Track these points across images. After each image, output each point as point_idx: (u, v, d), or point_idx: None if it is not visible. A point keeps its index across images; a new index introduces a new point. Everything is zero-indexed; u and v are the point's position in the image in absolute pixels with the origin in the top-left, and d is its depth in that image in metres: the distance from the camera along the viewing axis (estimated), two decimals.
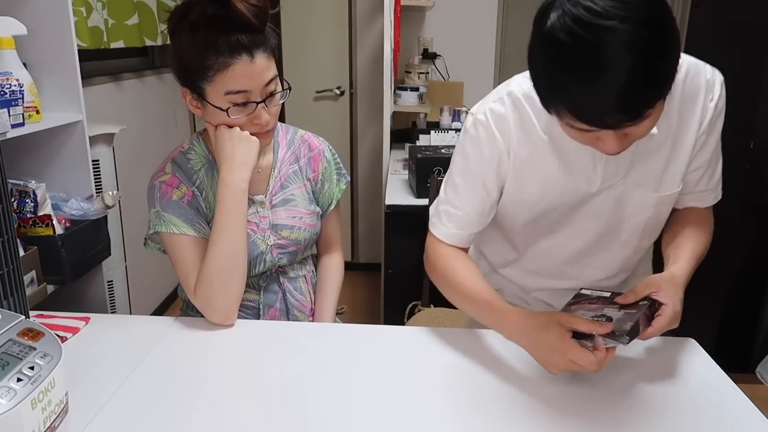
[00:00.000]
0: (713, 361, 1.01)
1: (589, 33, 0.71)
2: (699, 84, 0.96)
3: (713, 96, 0.97)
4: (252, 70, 1.04)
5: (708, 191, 1.07)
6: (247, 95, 1.06)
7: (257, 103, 1.07)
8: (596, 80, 0.72)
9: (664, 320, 0.86)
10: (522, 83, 0.99)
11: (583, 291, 0.93)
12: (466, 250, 1.13)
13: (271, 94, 1.09)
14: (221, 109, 1.06)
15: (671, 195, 1.02)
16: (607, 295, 0.92)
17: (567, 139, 0.90)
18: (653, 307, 0.88)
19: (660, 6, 0.73)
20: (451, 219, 1.08)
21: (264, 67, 1.06)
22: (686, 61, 0.96)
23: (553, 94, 0.81)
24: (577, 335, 0.85)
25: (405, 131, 2.88)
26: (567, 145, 0.96)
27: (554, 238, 1.10)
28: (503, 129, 1.00)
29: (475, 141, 1.02)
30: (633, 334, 0.82)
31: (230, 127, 1.09)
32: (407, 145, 2.57)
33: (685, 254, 1.00)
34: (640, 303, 0.89)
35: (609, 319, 0.85)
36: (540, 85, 0.82)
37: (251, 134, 1.10)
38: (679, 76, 0.90)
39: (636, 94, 0.74)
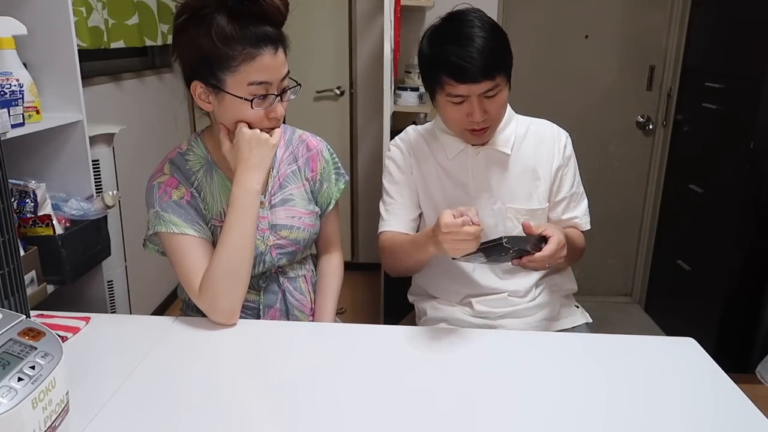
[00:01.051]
0: (713, 361, 1.01)
1: (457, 20, 1.19)
2: (545, 131, 1.34)
3: (561, 140, 1.33)
4: (275, 63, 1.07)
5: (576, 219, 1.36)
6: (267, 87, 1.07)
7: (276, 96, 1.08)
8: (463, 45, 1.14)
9: (551, 245, 1.10)
10: (417, 127, 1.41)
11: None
12: None
13: (284, 91, 1.11)
14: (245, 99, 1.06)
15: (539, 210, 1.32)
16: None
17: (449, 151, 1.31)
18: (542, 241, 1.11)
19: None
20: (389, 213, 1.36)
21: (283, 62, 1.09)
22: (534, 119, 1.36)
23: (437, 67, 1.18)
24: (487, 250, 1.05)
25: None
26: (450, 158, 1.32)
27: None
28: (408, 148, 1.38)
29: (391, 158, 1.39)
30: (516, 244, 1.06)
31: (249, 125, 1.09)
32: None
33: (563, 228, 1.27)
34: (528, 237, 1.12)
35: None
36: (427, 68, 1.22)
37: (263, 131, 1.10)
38: (532, 126, 1.34)
39: (490, 55, 1.14)
